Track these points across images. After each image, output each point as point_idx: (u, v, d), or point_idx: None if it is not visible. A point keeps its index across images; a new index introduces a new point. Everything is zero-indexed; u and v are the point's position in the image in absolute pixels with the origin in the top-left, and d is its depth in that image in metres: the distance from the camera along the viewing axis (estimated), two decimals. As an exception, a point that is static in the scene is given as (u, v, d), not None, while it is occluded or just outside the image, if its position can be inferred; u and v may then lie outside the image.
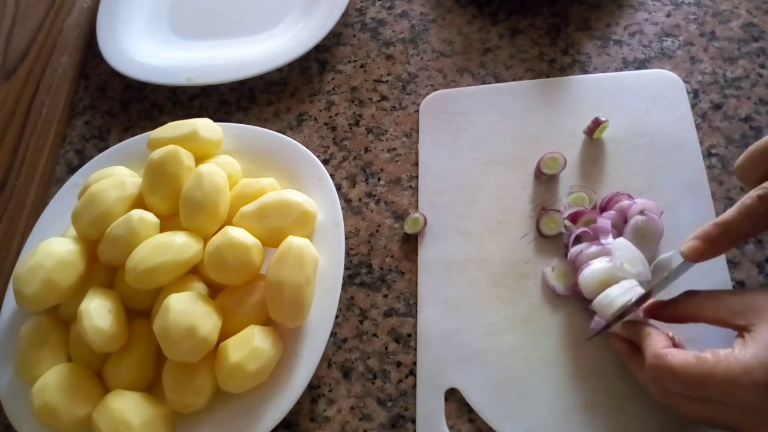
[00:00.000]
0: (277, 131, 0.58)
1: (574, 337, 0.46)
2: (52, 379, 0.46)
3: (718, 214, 0.48)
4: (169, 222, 0.51)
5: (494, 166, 0.54)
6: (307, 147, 0.56)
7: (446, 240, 0.52)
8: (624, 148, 0.52)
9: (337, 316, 0.50)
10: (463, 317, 0.49)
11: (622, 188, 0.50)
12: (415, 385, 0.48)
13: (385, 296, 0.52)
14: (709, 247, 0.39)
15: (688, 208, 0.49)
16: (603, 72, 0.57)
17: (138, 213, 0.49)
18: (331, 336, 0.50)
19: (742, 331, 0.37)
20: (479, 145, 0.56)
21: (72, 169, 0.64)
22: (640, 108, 0.54)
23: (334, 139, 0.60)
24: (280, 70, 0.65)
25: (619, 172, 0.52)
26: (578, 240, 0.48)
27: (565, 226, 0.50)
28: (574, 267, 0.47)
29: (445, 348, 0.48)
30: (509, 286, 0.49)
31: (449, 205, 0.53)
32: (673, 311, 0.42)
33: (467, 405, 0.46)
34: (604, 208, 0.49)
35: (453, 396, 0.46)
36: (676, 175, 0.50)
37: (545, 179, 0.52)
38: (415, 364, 0.48)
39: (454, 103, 0.58)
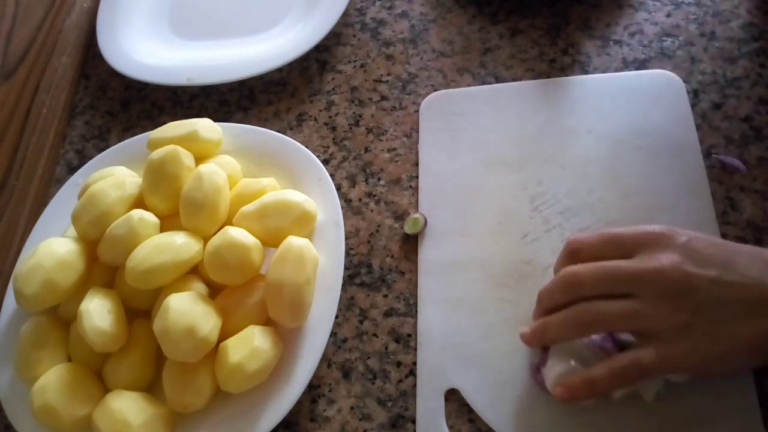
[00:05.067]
0: (277, 131, 0.58)
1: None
2: (52, 379, 0.46)
3: (718, 215, 0.48)
4: (169, 222, 0.51)
5: (494, 167, 0.54)
6: (307, 147, 0.56)
7: (446, 240, 0.52)
8: (624, 149, 0.52)
9: (337, 316, 0.50)
10: (463, 318, 0.49)
11: (624, 188, 0.50)
12: (415, 385, 0.48)
13: (385, 296, 0.52)
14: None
15: (689, 209, 0.49)
16: (603, 72, 0.57)
17: (138, 213, 0.49)
18: (331, 336, 0.50)
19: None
20: (479, 145, 0.56)
21: (72, 169, 0.64)
22: (640, 108, 0.54)
23: (334, 139, 0.60)
24: (280, 70, 0.65)
25: (619, 173, 0.51)
26: None
27: None
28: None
29: (446, 348, 0.48)
30: (510, 286, 0.49)
31: (449, 206, 0.53)
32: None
33: (467, 405, 0.46)
34: None
35: (453, 396, 0.46)
36: (677, 176, 0.50)
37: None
38: (415, 364, 0.48)
39: (454, 103, 0.58)
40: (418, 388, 0.47)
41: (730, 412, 0.42)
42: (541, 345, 0.43)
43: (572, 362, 0.42)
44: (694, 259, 0.39)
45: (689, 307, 0.38)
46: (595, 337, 0.42)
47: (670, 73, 0.55)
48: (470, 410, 0.46)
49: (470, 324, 0.48)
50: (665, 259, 0.39)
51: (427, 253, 0.52)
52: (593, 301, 0.41)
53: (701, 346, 0.39)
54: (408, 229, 0.53)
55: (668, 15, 0.59)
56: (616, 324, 0.40)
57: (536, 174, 0.53)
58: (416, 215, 0.53)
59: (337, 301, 0.48)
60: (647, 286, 0.39)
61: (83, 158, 0.65)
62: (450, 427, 0.45)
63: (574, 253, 0.43)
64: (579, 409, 0.43)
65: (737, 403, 0.42)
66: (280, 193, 0.51)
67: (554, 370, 0.42)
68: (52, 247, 0.49)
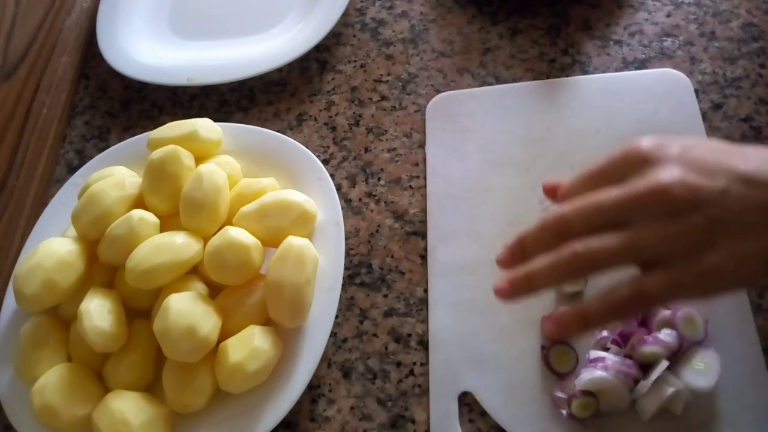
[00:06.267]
0: (277, 131, 0.58)
1: (587, 339, 0.46)
2: (52, 379, 0.46)
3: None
4: (169, 222, 0.51)
5: (503, 168, 0.54)
6: (307, 147, 0.56)
7: (456, 242, 0.52)
8: None
9: (337, 316, 0.50)
10: (475, 320, 0.48)
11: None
12: (415, 385, 0.48)
13: (385, 296, 0.52)
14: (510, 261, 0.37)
15: None
16: (603, 72, 0.57)
17: (138, 213, 0.49)
18: (331, 336, 0.49)
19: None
20: (487, 146, 0.55)
21: (72, 169, 0.64)
22: (648, 107, 0.54)
23: (334, 139, 0.60)
24: (280, 70, 0.65)
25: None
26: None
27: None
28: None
29: (458, 351, 0.47)
30: None
31: (458, 208, 0.53)
32: None
33: (480, 408, 0.45)
34: (643, 322, 0.45)
35: (466, 398, 0.46)
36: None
37: None
38: (415, 363, 0.48)
39: (461, 104, 0.58)
40: (431, 392, 0.47)
41: (744, 411, 0.42)
42: (523, 296, 0.36)
43: (602, 372, 0.42)
44: (697, 169, 0.33)
45: (700, 226, 0.32)
46: (617, 360, 0.42)
47: (677, 72, 0.55)
48: (483, 413, 0.45)
49: (482, 326, 0.48)
50: (663, 174, 0.33)
51: (436, 256, 0.52)
52: (582, 240, 0.34)
53: (718, 269, 0.32)
54: (568, 287, 0.48)
55: (668, 15, 0.59)
56: (614, 259, 0.34)
57: (545, 175, 0.53)
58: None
59: (337, 301, 0.48)
60: (647, 209, 0.33)
61: (83, 158, 0.65)
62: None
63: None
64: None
65: (751, 403, 0.42)
66: (280, 193, 0.51)
67: (584, 376, 0.43)
68: (52, 247, 0.49)
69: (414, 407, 0.47)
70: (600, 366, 0.42)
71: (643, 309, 0.35)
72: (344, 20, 0.67)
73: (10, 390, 0.50)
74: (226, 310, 0.47)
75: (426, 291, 0.51)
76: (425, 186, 0.55)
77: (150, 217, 0.49)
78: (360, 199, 0.56)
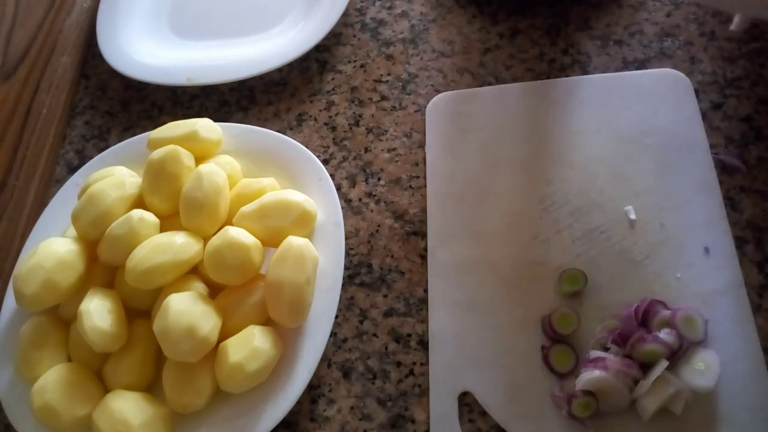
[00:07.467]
0: (277, 131, 0.58)
1: (587, 339, 0.46)
2: (52, 379, 0.46)
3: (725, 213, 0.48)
4: (169, 222, 0.51)
5: (503, 168, 0.54)
6: (307, 147, 0.56)
7: (456, 242, 0.52)
8: (633, 148, 0.52)
9: (337, 316, 0.50)
10: (475, 320, 0.48)
11: (634, 187, 0.50)
12: (415, 385, 0.48)
13: (385, 296, 0.52)
14: None
15: (699, 207, 0.49)
16: (603, 72, 0.57)
17: (138, 213, 0.49)
18: (331, 336, 0.50)
19: None
20: (487, 146, 0.55)
21: (72, 169, 0.64)
22: (648, 107, 0.54)
23: (334, 139, 0.60)
24: (280, 70, 0.65)
25: (628, 172, 0.51)
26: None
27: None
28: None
29: (458, 351, 0.47)
30: (521, 287, 0.49)
31: (458, 208, 0.53)
32: None
33: (480, 408, 0.45)
34: (643, 322, 0.45)
35: (466, 398, 0.46)
36: (686, 174, 0.50)
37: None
38: (414, 363, 0.48)
39: (461, 104, 0.58)
40: (431, 392, 0.47)
41: (744, 411, 0.42)
42: None
43: (602, 372, 0.42)
44: None
45: None
46: (616, 360, 0.43)
47: (677, 72, 0.55)
48: (483, 413, 0.45)
49: (482, 326, 0.48)
50: None
51: (436, 256, 0.52)
52: None
53: None
54: (568, 287, 0.47)
55: (668, 15, 0.59)
56: None
57: (545, 174, 0.53)
58: (573, 271, 0.48)
59: (337, 301, 0.48)
60: None
61: (83, 158, 0.65)
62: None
63: None
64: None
65: (751, 403, 0.42)
66: (280, 193, 0.51)
67: (584, 376, 0.43)
68: (52, 247, 0.49)
69: (414, 407, 0.47)
70: (600, 366, 0.43)
71: None
72: (344, 20, 0.67)
73: (10, 390, 0.49)
74: (226, 310, 0.47)
75: (426, 291, 0.51)
76: (425, 186, 0.55)
77: (150, 217, 0.49)
78: (360, 199, 0.56)
